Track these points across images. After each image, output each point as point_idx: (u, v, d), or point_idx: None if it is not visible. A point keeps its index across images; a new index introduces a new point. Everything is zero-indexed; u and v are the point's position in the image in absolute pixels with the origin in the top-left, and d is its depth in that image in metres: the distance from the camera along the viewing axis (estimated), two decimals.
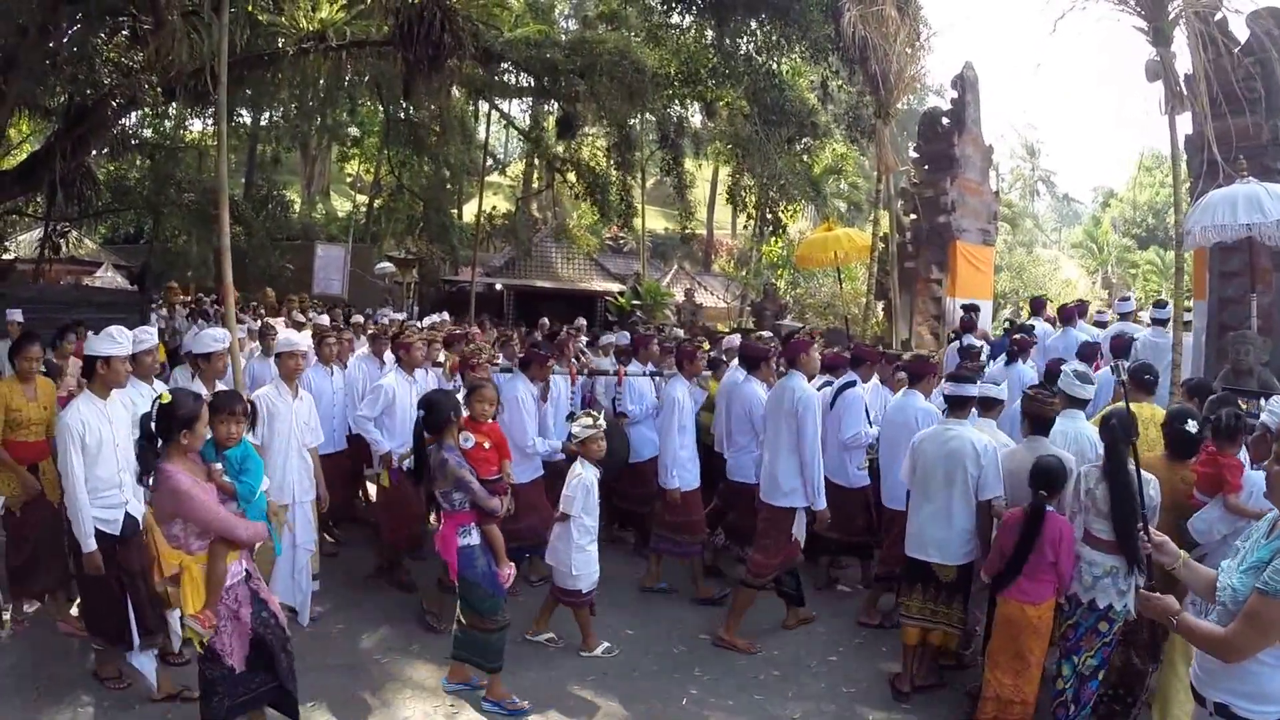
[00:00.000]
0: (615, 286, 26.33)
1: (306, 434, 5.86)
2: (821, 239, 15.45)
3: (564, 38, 17.73)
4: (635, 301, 21.66)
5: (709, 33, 16.36)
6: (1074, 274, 43.58)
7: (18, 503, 5.30)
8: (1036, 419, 4.90)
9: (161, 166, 18.41)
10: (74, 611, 5.40)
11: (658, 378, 7.52)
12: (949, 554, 4.97)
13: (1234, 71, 8.35)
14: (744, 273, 29.58)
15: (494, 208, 29.39)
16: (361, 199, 32.18)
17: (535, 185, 33.23)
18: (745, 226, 22.33)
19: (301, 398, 5.91)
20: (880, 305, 15.65)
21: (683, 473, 6.55)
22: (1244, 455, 4.37)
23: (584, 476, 5.38)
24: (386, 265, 24.02)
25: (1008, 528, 4.49)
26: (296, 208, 30.41)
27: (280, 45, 13.93)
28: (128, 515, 4.69)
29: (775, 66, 16.21)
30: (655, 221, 32.62)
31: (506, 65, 16.92)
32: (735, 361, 7.01)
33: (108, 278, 21.90)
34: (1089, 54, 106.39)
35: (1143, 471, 4.07)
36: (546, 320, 13.92)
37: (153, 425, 3.67)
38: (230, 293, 8.62)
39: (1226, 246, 8.11)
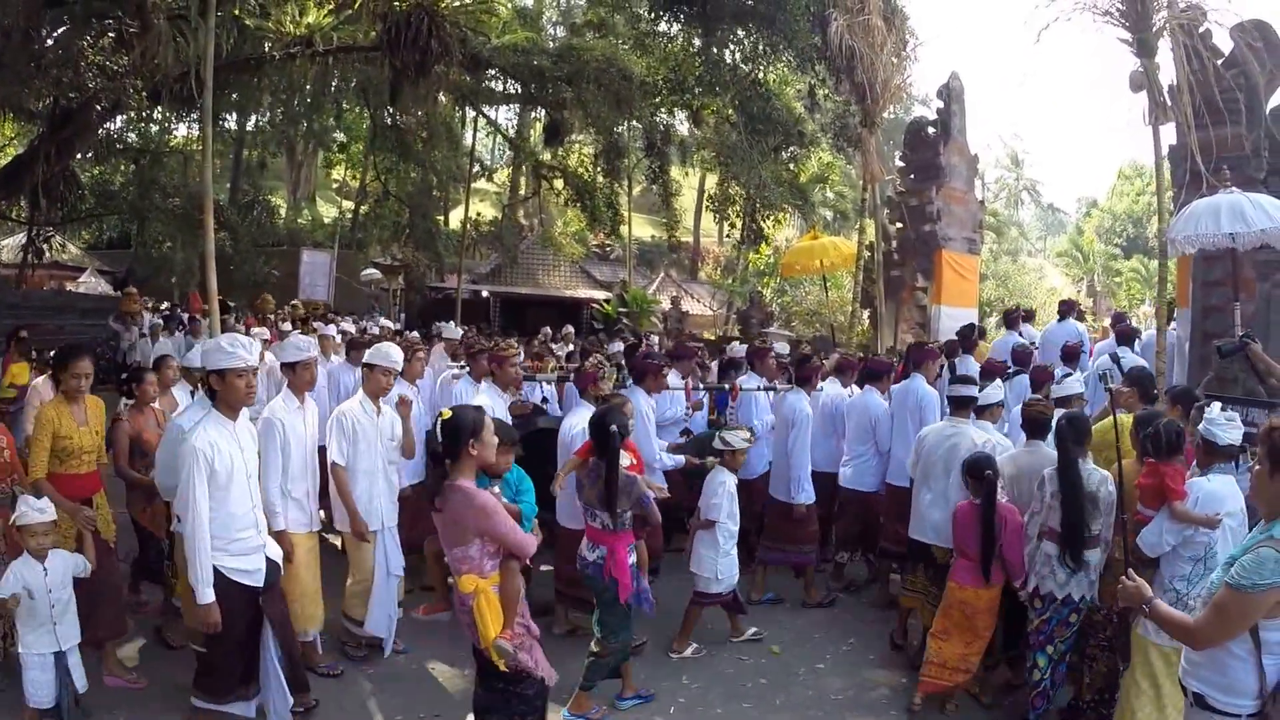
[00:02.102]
0: (601, 294, 26.31)
1: (393, 453, 5.41)
2: (807, 247, 15.50)
3: (552, 44, 17.79)
4: (621, 309, 21.65)
5: (696, 41, 16.46)
6: (1059, 282, 43.87)
7: (91, 552, 4.58)
8: (1034, 425, 5.08)
9: (146, 171, 18.34)
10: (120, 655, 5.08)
11: (773, 392, 7.31)
12: (945, 537, 5.23)
13: (1217, 83, 8.42)
14: (730, 281, 29.64)
15: (480, 214, 29.36)
16: (347, 205, 32.12)
17: (522, 192, 33.22)
18: (728, 236, 22.39)
19: (384, 414, 5.41)
20: (866, 313, 15.71)
21: (809, 486, 6.55)
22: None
23: (728, 484, 5.59)
24: (372, 272, 23.95)
25: (964, 522, 4.84)
26: (282, 213, 30.33)
27: (267, 50, 13.90)
28: (269, 560, 4.12)
29: (762, 75, 16.31)
30: (642, 229, 32.68)
31: (494, 71, 16.96)
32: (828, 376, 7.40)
33: (91, 283, 21.75)
34: (1075, 64, 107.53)
35: (1100, 470, 4.52)
36: (549, 330, 13.78)
37: (439, 444, 3.53)
38: (214, 299, 8.60)
39: (1209, 255, 8.16)
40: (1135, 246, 47.55)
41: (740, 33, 15.93)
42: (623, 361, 8.10)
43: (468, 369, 7.04)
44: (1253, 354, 6.25)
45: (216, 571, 3.79)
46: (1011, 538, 4.68)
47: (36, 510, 4.25)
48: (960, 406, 5.54)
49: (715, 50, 15.96)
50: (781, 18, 14.40)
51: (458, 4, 13.96)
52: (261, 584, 4.00)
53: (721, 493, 5.53)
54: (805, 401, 6.59)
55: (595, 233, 27.39)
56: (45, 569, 4.24)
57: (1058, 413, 5.21)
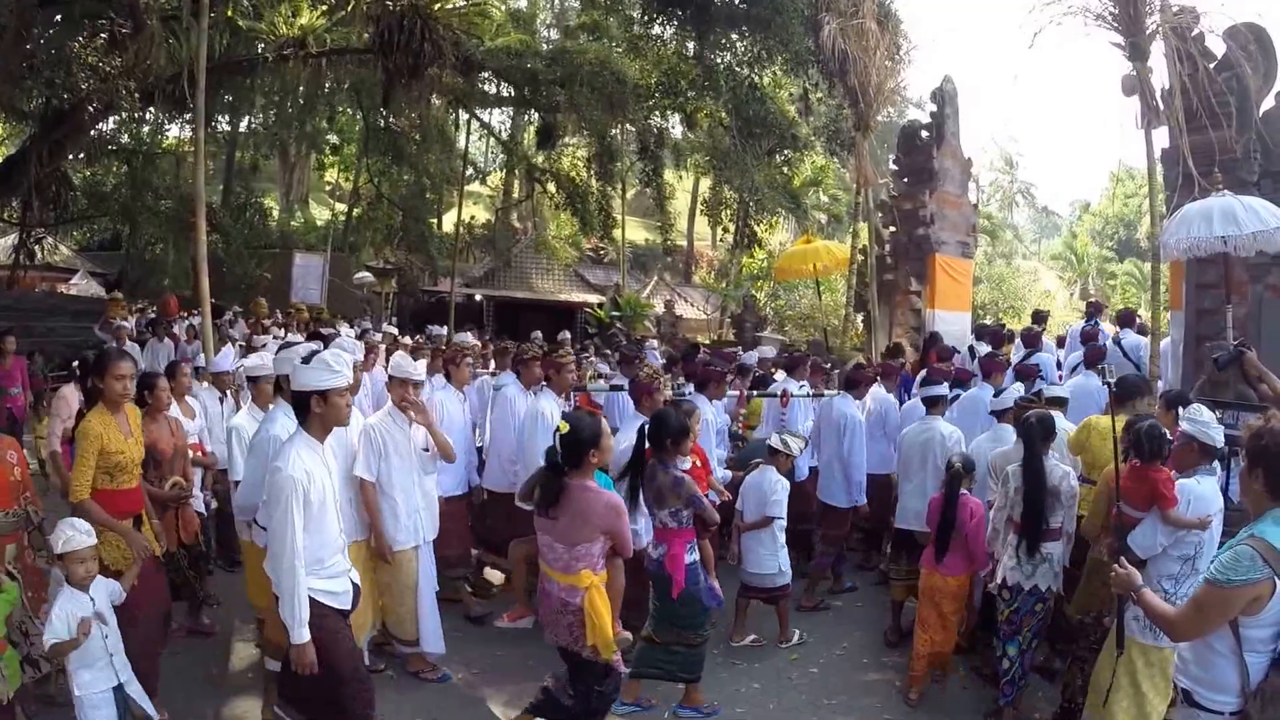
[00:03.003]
0: (595, 298, 26.30)
1: (428, 464, 5.22)
2: (800, 251, 15.51)
3: (545, 47, 17.77)
4: (615, 313, 21.64)
5: (690, 44, 16.45)
6: (1053, 285, 43.97)
7: (132, 576, 4.20)
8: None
9: (138, 173, 18.25)
10: None
11: (820, 398, 7.46)
12: (924, 523, 5.55)
13: (1210, 86, 8.42)
14: (724, 285, 29.63)
15: (473, 217, 29.32)
16: (340, 207, 32.00)
17: (515, 195, 33.20)
18: (721, 240, 22.37)
19: (418, 427, 5.23)
20: (859, 317, 15.68)
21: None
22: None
23: (783, 484, 5.85)
24: (365, 275, 23.84)
25: (934, 510, 5.18)
26: (275, 216, 30.22)
27: (260, 51, 13.87)
28: (354, 584, 3.86)
29: (756, 79, 16.30)
30: (635, 233, 32.65)
31: (487, 74, 16.95)
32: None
33: (83, 285, 21.63)
34: (1069, 67, 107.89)
35: (1062, 466, 4.80)
36: (539, 334, 13.69)
37: (558, 455, 3.71)
38: (206, 301, 8.56)
39: (1202, 258, 8.15)
40: (1128, 249, 47.62)
41: (734, 36, 15.94)
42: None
43: (507, 374, 6.93)
44: (1247, 362, 6.26)
45: (312, 599, 3.51)
46: (975, 528, 4.98)
47: (84, 534, 3.89)
48: (931, 405, 6.17)
49: (709, 54, 15.97)
50: (776, 21, 14.42)
51: (451, 6, 13.98)
52: (349, 607, 3.78)
53: (781, 491, 5.78)
54: (854, 406, 6.84)
55: (588, 236, 27.38)
56: (92, 599, 3.88)
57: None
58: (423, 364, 5.86)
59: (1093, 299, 11.57)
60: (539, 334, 13.61)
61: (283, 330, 13.47)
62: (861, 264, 14.51)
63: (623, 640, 3.77)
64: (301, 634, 3.40)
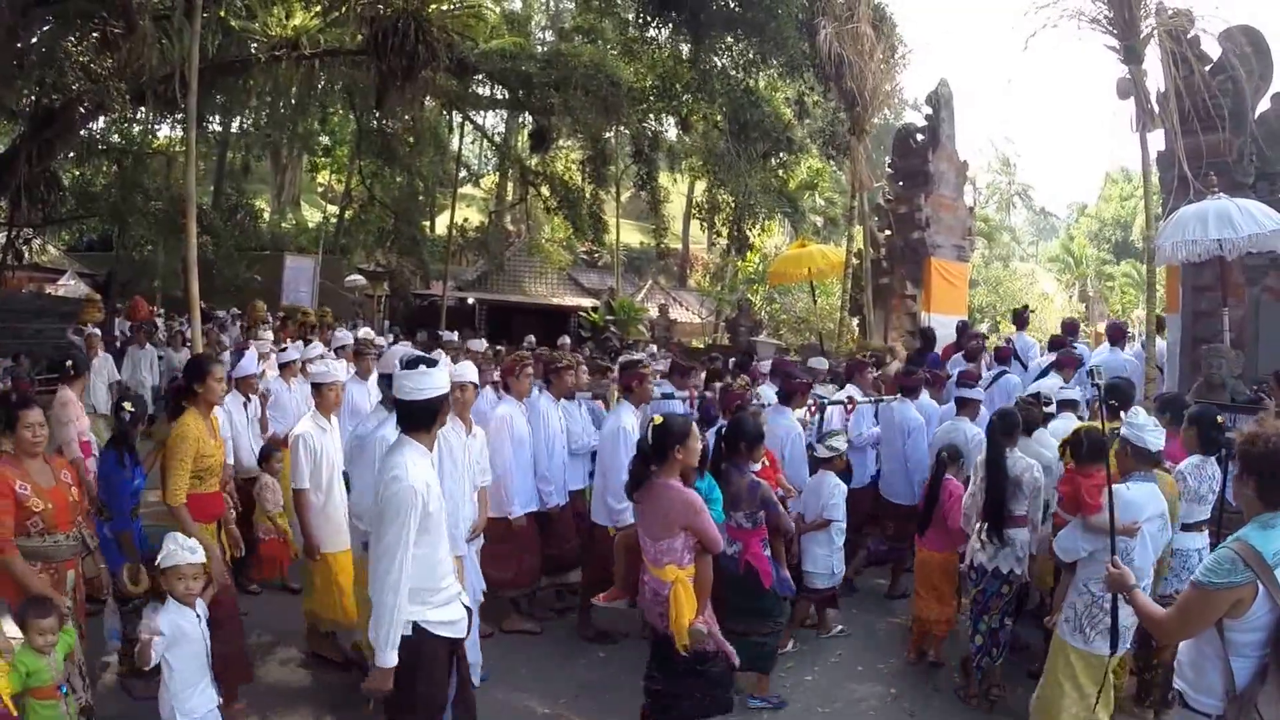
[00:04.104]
0: (589, 302, 26.22)
1: (479, 475, 5.11)
2: (795, 255, 15.48)
3: (540, 50, 17.71)
4: (609, 317, 21.57)
5: (685, 48, 16.41)
6: (1051, 288, 43.92)
7: (210, 594, 4.05)
8: (1025, 422, 5.49)
9: (129, 173, 18.11)
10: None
11: (881, 403, 7.66)
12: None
13: (1205, 89, 8.44)
14: (719, 288, 29.59)
15: (466, 220, 29.22)
16: (332, 210, 31.90)
17: (509, 198, 33.13)
18: (714, 243, 22.31)
19: (475, 435, 5.13)
20: (855, 321, 15.69)
21: None
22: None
23: (841, 488, 6.00)
24: (357, 278, 23.74)
25: (923, 493, 5.75)
26: (266, 217, 30.10)
27: (252, 52, 13.79)
28: (467, 608, 3.65)
29: (751, 83, 16.28)
30: (630, 236, 32.62)
31: (481, 77, 16.89)
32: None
33: (71, 286, 21.47)
34: (1065, 69, 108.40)
35: (1026, 459, 5.05)
36: (532, 338, 13.61)
37: (648, 447, 3.91)
38: (195, 304, 8.46)
39: (1199, 260, 8.18)
40: (1125, 251, 47.64)
41: (729, 40, 15.92)
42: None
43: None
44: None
45: (419, 628, 3.30)
46: (951, 506, 5.43)
47: (187, 550, 3.80)
48: (962, 406, 6.51)
49: (704, 57, 15.94)
50: (771, 25, 14.37)
51: (445, 8, 13.94)
52: (463, 635, 3.56)
53: (838, 494, 5.93)
54: (914, 410, 7.09)
55: (580, 241, 27.33)
56: (199, 615, 3.80)
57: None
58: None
59: (1023, 311, 11.49)
60: (532, 338, 13.55)
61: (272, 333, 13.34)
62: (857, 268, 14.52)
63: (696, 633, 3.83)
64: (389, 657, 3.18)
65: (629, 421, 5.69)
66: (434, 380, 3.38)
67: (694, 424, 4.09)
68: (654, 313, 24.29)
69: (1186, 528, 4.76)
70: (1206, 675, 2.75)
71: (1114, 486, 3.99)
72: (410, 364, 3.42)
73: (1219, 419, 4.92)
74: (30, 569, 3.74)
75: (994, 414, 5.33)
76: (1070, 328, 9.90)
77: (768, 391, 7.15)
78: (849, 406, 7.42)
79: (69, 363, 6.99)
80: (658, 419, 3.96)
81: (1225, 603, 2.61)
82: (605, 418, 6.26)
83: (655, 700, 4.12)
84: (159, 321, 17.39)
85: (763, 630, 4.90)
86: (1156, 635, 3.06)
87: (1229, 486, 5.71)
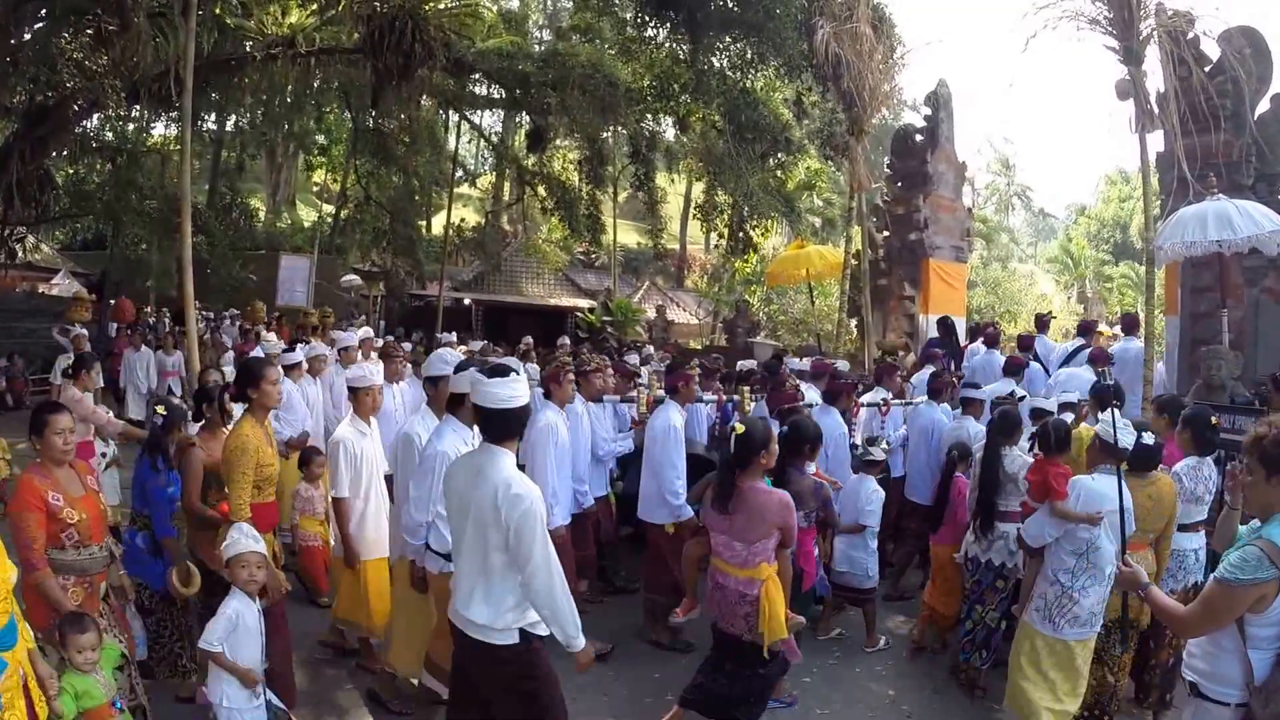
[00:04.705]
0: (586, 303, 26.13)
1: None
2: (793, 256, 15.45)
3: (537, 49, 17.65)
4: (606, 318, 21.51)
5: (683, 48, 16.36)
6: (1049, 289, 43.89)
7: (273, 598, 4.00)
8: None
9: (123, 171, 17.99)
10: None
11: (908, 406, 7.86)
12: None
13: (1204, 90, 8.43)
14: (716, 289, 29.54)
15: (462, 220, 29.14)
16: (328, 209, 31.79)
17: (505, 198, 33.06)
18: (717, 245, 22.25)
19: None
20: (853, 322, 15.65)
21: None
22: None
23: (879, 494, 6.19)
24: (352, 278, 23.66)
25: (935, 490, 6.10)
26: (261, 217, 30.00)
27: (248, 50, 13.73)
28: None
29: (749, 83, 16.24)
30: (627, 236, 32.55)
31: (477, 76, 16.82)
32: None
33: (64, 285, 21.38)
34: (1066, 69, 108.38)
35: (1024, 457, 5.18)
36: (530, 339, 13.50)
37: (732, 456, 4.11)
38: (190, 303, 8.39)
39: (1198, 262, 8.17)
40: (1124, 252, 47.59)
41: (727, 40, 15.87)
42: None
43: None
44: None
45: (525, 633, 3.32)
46: (963, 504, 5.72)
47: (250, 539, 3.80)
48: (966, 405, 6.85)
49: (702, 57, 15.89)
50: (769, 26, 14.33)
51: (442, 7, 13.87)
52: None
53: (875, 500, 6.13)
54: (940, 412, 7.34)
55: (578, 241, 27.27)
56: (259, 609, 3.79)
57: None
58: None
59: (1045, 316, 11.57)
60: (530, 339, 13.46)
61: (272, 334, 13.27)
62: (855, 269, 14.47)
63: (795, 624, 4.12)
64: (582, 641, 3.29)
65: (677, 420, 5.88)
66: (522, 388, 3.33)
67: (773, 430, 4.29)
68: (651, 314, 24.23)
69: (1183, 528, 4.81)
70: (1223, 666, 2.84)
71: (1079, 477, 4.42)
72: (496, 372, 3.33)
73: (1213, 420, 5.04)
74: (60, 589, 3.55)
75: (996, 414, 5.56)
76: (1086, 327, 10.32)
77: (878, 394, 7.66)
78: (883, 409, 7.60)
79: (71, 360, 6.82)
80: (739, 428, 4.15)
81: (1250, 598, 2.70)
82: (651, 419, 6.13)
83: (707, 699, 4.26)
84: (155, 321, 17.33)
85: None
86: (1176, 630, 3.13)
87: (1226, 487, 5.78)
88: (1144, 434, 4.54)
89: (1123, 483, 3.78)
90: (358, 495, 5.02)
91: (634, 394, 7.10)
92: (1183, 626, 3.00)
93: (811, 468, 5.26)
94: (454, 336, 10.51)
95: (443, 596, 3.79)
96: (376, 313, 23.70)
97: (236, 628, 3.67)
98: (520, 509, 3.14)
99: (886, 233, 14.98)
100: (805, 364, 8.87)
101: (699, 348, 20.11)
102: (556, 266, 29.31)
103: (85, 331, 8.99)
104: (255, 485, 4.23)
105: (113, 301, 18.16)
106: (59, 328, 13.71)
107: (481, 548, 3.24)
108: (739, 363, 9.99)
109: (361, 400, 5.23)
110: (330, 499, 5.05)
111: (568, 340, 14.33)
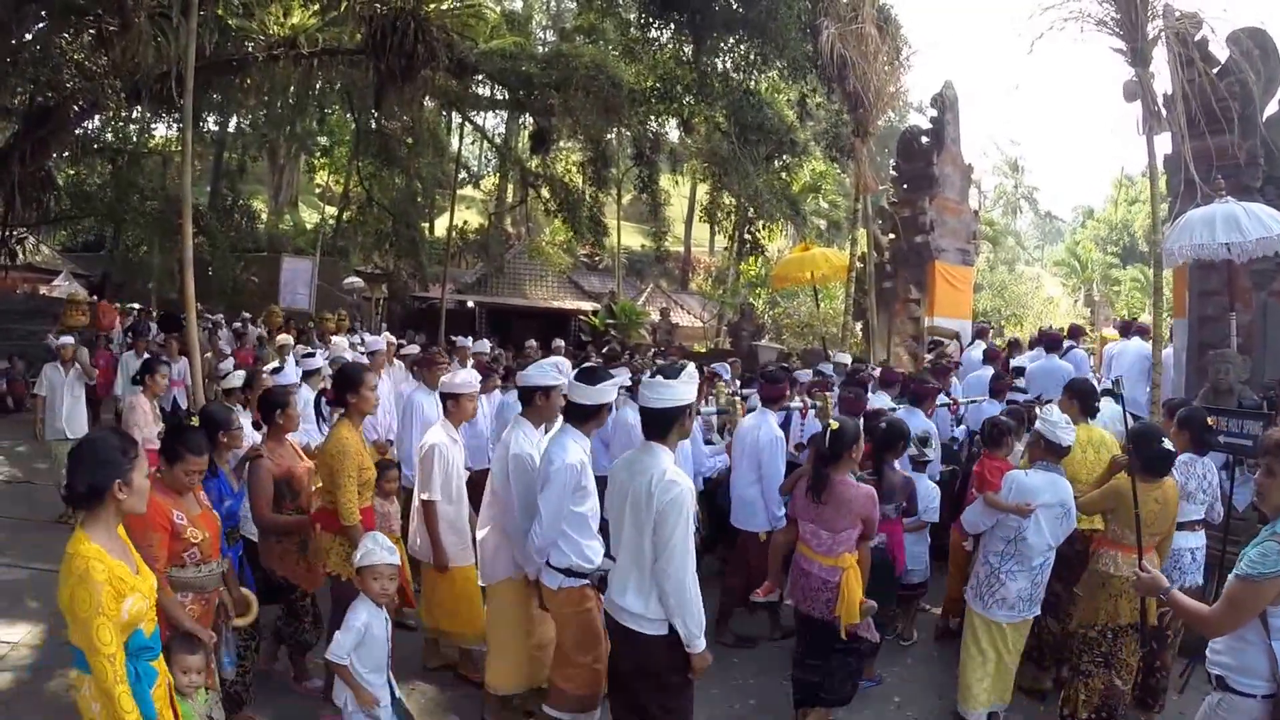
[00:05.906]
0: (589, 305, 26.04)
1: None
2: (798, 259, 15.37)
3: (541, 50, 17.61)
4: (610, 321, 21.42)
5: (687, 49, 16.31)
6: (1056, 292, 43.69)
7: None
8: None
9: (124, 173, 18.01)
10: None
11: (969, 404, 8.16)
12: None
13: (1212, 92, 8.33)
14: (721, 292, 29.45)
15: (465, 222, 29.08)
16: (330, 210, 31.73)
17: (509, 200, 33.01)
18: (726, 248, 22.17)
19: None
20: (858, 325, 15.54)
21: None
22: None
23: (936, 490, 6.36)
24: (355, 280, 23.55)
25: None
26: (263, 218, 29.94)
27: (250, 50, 13.69)
28: None
29: (753, 84, 16.17)
30: (631, 238, 32.50)
31: (481, 77, 16.77)
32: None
33: (65, 286, 21.31)
34: (1073, 70, 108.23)
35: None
36: (534, 342, 13.40)
37: (827, 450, 4.42)
38: (191, 305, 8.33)
39: (1205, 265, 8.09)
40: (1132, 255, 47.34)
41: (731, 41, 15.82)
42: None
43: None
44: None
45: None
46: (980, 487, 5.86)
47: (384, 549, 3.82)
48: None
49: (706, 58, 15.84)
50: (773, 26, 14.27)
51: (445, 7, 13.85)
52: None
53: (933, 498, 6.29)
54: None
55: (582, 243, 27.23)
56: (387, 619, 3.82)
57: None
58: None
59: (1046, 330, 11.61)
60: (534, 342, 13.40)
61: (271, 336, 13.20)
62: (860, 271, 14.38)
63: (868, 608, 4.32)
64: (702, 643, 3.48)
65: (779, 430, 6.05)
66: (686, 390, 3.56)
67: (860, 429, 4.67)
68: (655, 316, 24.14)
69: (1179, 526, 4.86)
70: (1249, 659, 2.92)
71: (1013, 471, 4.83)
72: (666, 372, 3.60)
73: (1209, 420, 5.24)
74: (179, 604, 3.54)
75: (985, 421, 5.91)
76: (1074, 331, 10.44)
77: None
78: (952, 408, 7.92)
79: (139, 366, 6.80)
80: (834, 424, 4.51)
81: (1273, 592, 2.80)
82: (753, 430, 6.07)
83: (805, 691, 4.54)
84: (139, 323, 17.18)
85: (885, 614, 5.12)
86: (1203, 630, 3.07)
87: (1235, 491, 5.73)
88: (1163, 440, 4.54)
89: (1136, 489, 3.92)
90: (449, 500, 5.00)
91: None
92: (1210, 626, 3.02)
93: (898, 465, 5.62)
94: (469, 340, 10.27)
95: (560, 613, 4.13)
96: (379, 315, 23.63)
97: (363, 640, 3.69)
98: (671, 495, 3.37)
99: (892, 235, 14.89)
100: (807, 375, 8.99)
101: (703, 350, 20.03)
102: (560, 269, 29.25)
103: (71, 340, 8.57)
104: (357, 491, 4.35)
105: (118, 304, 18.10)
106: (53, 332, 13.52)
107: (637, 537, 3.46)
108: (795, 373, 9.78)
109: (462, 406, 5.21)
110: (420, 500, 4.98)
111: (562, 343, 14.27)
